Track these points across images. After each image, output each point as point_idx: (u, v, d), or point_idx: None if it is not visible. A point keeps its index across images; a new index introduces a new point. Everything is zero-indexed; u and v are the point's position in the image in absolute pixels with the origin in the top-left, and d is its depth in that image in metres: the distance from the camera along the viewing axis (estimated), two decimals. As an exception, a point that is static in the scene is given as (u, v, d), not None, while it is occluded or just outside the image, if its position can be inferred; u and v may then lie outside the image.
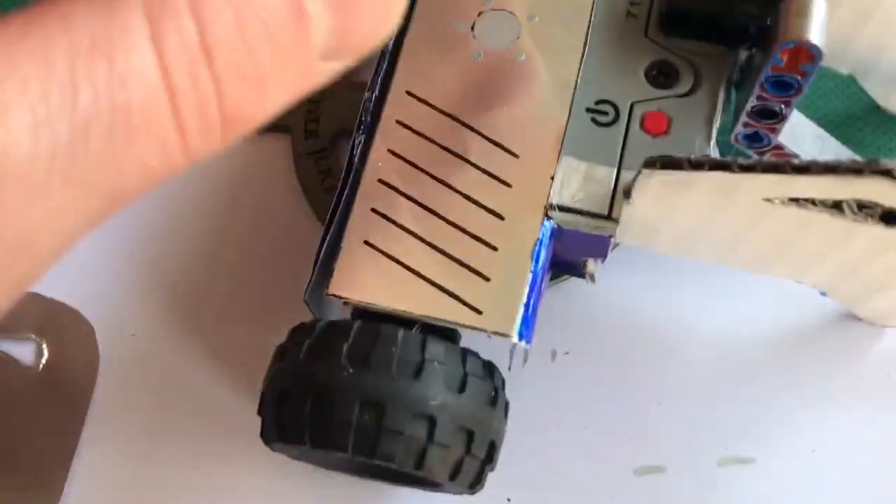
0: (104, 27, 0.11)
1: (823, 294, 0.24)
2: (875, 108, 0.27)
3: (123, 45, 0.11)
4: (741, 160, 0.19)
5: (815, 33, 0.20)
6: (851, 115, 0.27)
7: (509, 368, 0.21)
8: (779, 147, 0.23)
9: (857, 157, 0.25)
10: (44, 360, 0.24)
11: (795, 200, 0.19)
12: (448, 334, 0.20)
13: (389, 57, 0.22)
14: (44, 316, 0.24)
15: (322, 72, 0.13)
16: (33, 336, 0.24)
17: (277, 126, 0.26)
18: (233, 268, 0.25)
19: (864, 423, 0.24)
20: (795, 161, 0.18)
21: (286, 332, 0.21)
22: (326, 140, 0.26)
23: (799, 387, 0.24)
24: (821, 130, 0.25)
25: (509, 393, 0.21)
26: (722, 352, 0.24)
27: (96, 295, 0.25)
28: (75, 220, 0.12)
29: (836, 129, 0.27)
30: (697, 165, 0.19)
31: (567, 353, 0.24)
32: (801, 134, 0.24)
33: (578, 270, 0.24)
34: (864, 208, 0.19)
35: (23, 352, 0.24)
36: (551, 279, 0.24)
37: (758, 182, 0.19)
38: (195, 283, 0.25)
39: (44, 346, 0.24)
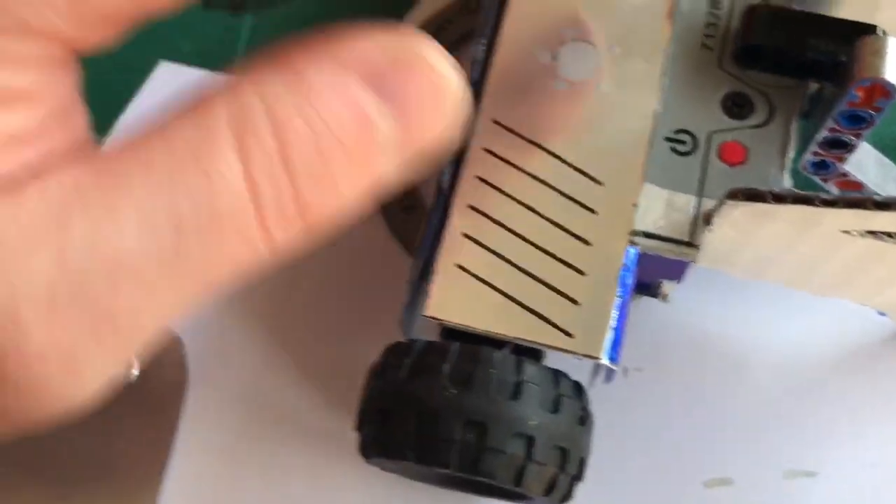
0: (197, 139, 0.13)
1: (882, 314, 0.25)
2: (932, 133, 0.28)
3: (213, 156, 0.13)
4: (823, 195, 0.20)
5: (891, 71, 0.21)
6: (908, 139, 0.28)
7: (590, 385, 0.22)
8: (844, 174, 0.24)
9: (917, 183, 0.26)
10: (135, 373, 0.25)
11: (872, 233, 0.21)
12: (534, 354, 0.22)
13: (474, 87, 0.23)
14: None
15: (390, 169, 0.15)
16: (124, 349, 0.25)
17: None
18: (314, 284, 0.26)
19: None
20: (876, 198, 0.19)
21: (368, 348, 0.22)
22: (404, 161, 0.27)
23: (860, 403, 0.25)
24: (883, 157, 0.25)
25: (588, 408, 0.22)
26: (787, 369, 0.25)
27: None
28: (173, 307, 0.14)
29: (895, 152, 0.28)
30: (780, 199, 0.20)
31: (639, 369, 0.25)
32: (865, 161, 0.25)
33: (653, 291, 0.25)
34: (939, 240, 0.20)
35: (115, 365, 0.25)
36: (624, 298, 0.25)
37: (838, 216, 0.20)
38: (278, 299, 0.26)
39: (134, 359, 0.25)
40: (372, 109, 0.14)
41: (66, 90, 0.14)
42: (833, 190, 0.25)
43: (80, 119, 0.15)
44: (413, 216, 0.26)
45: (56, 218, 0.13)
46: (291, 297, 0.26)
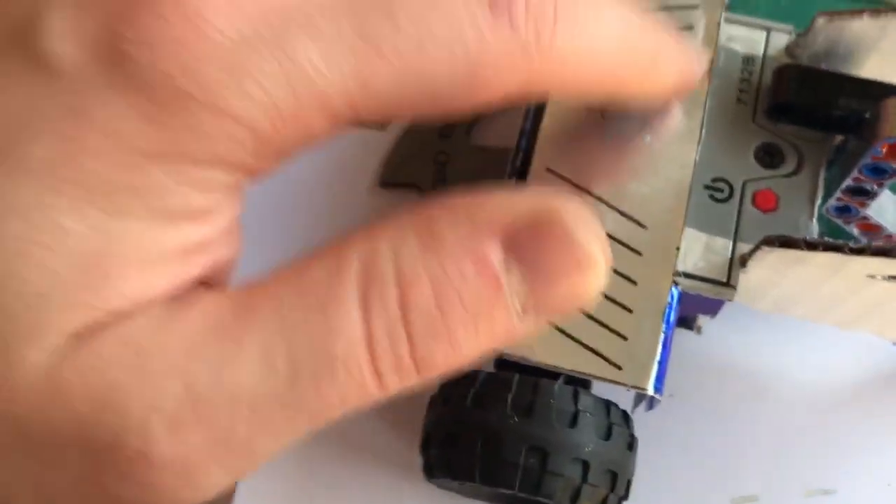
0: (325, 287, 0.15)
1: (895, 344, 0.27)
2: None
3: (338, 305, 0.15)
4: (852, 244, 0.22)
5: (914, 131, 0.23)
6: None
7: (632, 411, 0.24)
8: (865, 218, 0.27)
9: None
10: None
11: (894, 276, 0.23)
12: (584, 383, 0.24)
13: (528, 137, 0.25)
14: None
15: (520, 330, 0.15)
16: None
17: (408, 182, 0.29)
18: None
19: (930, 458, 0.27)
20: (902, 246, 0.22)
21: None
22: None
23: (875, 426, 0.27)
24: (900, 202, 0.28)
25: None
26: (807, 394, 0.28)
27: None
28: (286, 435, 0.15)
29: (906, 195, 0.30)
30: (812, 246, 0.22)
31: (671, 395, 0.27)
32: (885, 205, 0.27)
33: (688, 323, 0.27)
34: (955, 285, 0.22)
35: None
36: (659, 329, 0.28)
37: (865, 262, 0.22)
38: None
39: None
40: (500, 268, 0.15)
41: (236, 211, 0.16)
42: (854, 231, 0.27)
43: (238, 236, 0.17)
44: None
45: (199, 342, 0.14)
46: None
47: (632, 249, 0.24)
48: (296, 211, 0.29)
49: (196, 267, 0.15)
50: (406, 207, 0.16)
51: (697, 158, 0.25)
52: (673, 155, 0.25)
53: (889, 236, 0.27)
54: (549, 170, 0.25)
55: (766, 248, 0.23)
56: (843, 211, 0.26)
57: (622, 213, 0.24)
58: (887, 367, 0.28)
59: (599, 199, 0.25)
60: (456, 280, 0.15)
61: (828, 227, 0.27)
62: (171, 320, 0.15)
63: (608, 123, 0.25)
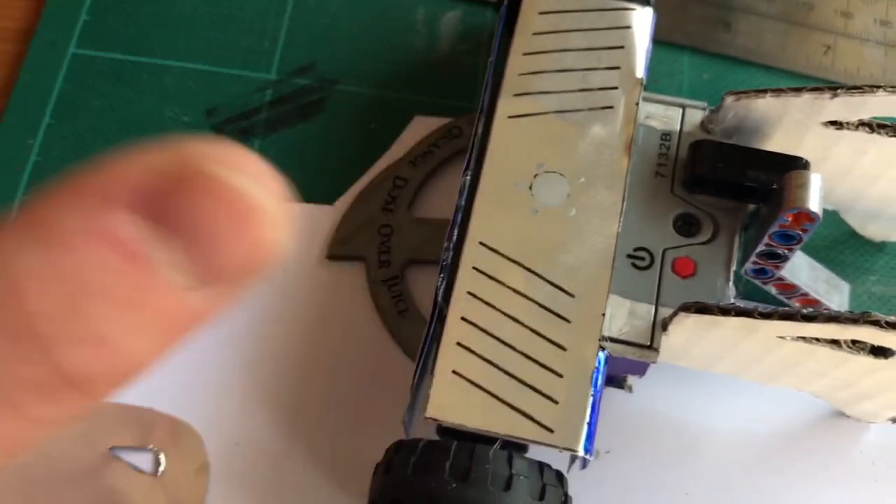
0: None
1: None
2: (853, 234, 0.32)
3: None
4: (761, 308, 0.24)
5: (814, 202, 0.25)
6: (835, 240, 0.32)
7: (567, 471, 0.26)
8: (780, 278, 0.28)
9: (843, 281, 0.31)
10: (161, 469, 0.28)
11: (803, 338, 0.24)
12: (520, 446, 0.25)
13: (463, 213, 0.27)
14: (162, 429, 0.28)
15: (200, 305, 0.12)
16: (152, 447, 0.28)
17: (355, 256, 0.31)
18: (325, 385, 0.29)
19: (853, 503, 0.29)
20: (805, 311, 0.23)
21: (374, 443, 0.25)
22: (398, 269, 0.30)
23: (797, 473, 0.29)
24: (814, 262, 0.30)
25: (570, 492, 0.25)
26: (732, 446, 0.29)
27: (204, 408, 0.29)
28: None
29: (823, 252, 0.32)
30: (725, 312, 0.24)
31: (608, 451, 0.29)
32: (798, 266, 0.29)
33: (619, 383, 0.29)
34: (856, 343, 0.24)
35: (142, 462, 0.28)
36: (593, 388, 0.29)
37: (773, 326, 0.24)
38: (292, 399, 0.29)
39: (161, 456, 0.28)
40: (138, 243, 0.11)
41: None
42: (772, 290, 0.29)
43: None
44: (407, 319, 0.30)
45: None
46: (304, 394, 0.29)
47: (561, 317, 0.26)
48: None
49: None
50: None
51: (620, 229, 0.27)
52: (597, 227, 0.27)
53: (804, 295, 0.29)
54: (481, 243, 0.27)
55: (683, 314, 0.24)
56: (760, 272, 0.28)
57: (551, 283, 0.26)
58: (807, 418, 0.30)
59: (530, 269, 0.26)
60: (87, 270, 0.11)
61: (748, 286, 0.29)
62: None
63: (536, 198, 0.27)
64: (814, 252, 0.32)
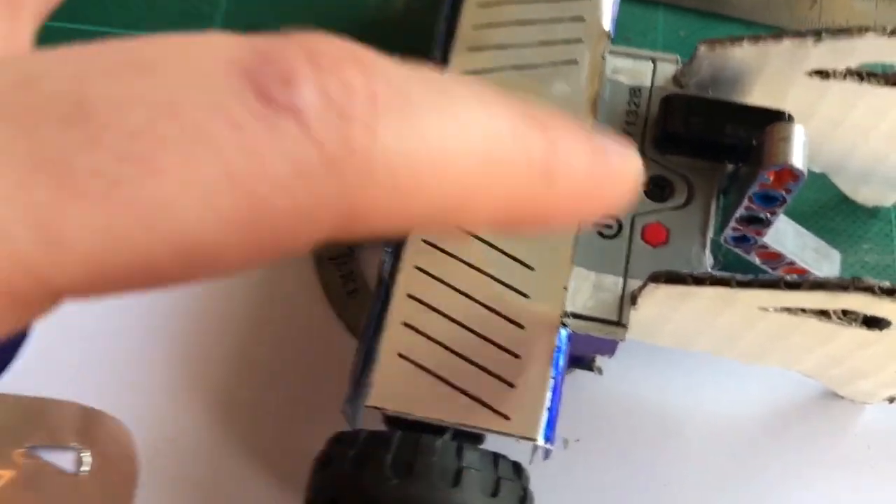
0: None
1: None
2: (844, 199, 0.29)
3: None
4: (739, 276, 0.21)
5: (798, 157, 0.22)
6: (824, 205, 0.30)
7: (530, 462, 0.23)
8: (764, 246, 0.26)
9: (833, 250, 0.28)
10: (85, 468, 0.26)
11: (787, 309, 0.22)
12: (476, 437, 0.22)
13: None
14: (84, 424, 0.26)
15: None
16: (74, 444, 0.26)
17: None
18: (265, 371, 0.27)
19: (849, 490, 0.26)
20: (788, 278, 0.21)
21: (319, 434, 0.23)
22: (346, 246, 0.28)
23: (788, 460, 0.26)
24: (801, 228, 0.27)
25: (530, 484, 0.23)
26: (717, 432, 0.27)
27: (135, 403, 0.26)
28: None
29: (812, 219, 0.29)
30: (699, 281, 0.21)
31: (578, 440, 0.26)
32: (783, 233, 0.26)
33: (587, 364, 0.26)
34: (847, 314, 0.22)
35: (65, 460, 0.26)
36: (561, 371, 0.26)
37: (754, 295, 0.21)
38: (230, 387, 0.27)
39: (85, 454, 0.26)
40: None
41: None
42: (755, 260, 0.27)
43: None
44: (356, 300, 0.27)
45: None
46: (241, 382, 0.27)
47: (519, 292, 0.23)
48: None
49: None
50: None
51: (584, 194, 0.24)
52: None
53: (790, 263, 0.27)
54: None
55: (652, 285, 0.22)
56: (741, 240, 0.26)
57: (508, 255, 0.24)
58: (797, 399, 0.27)
59: (484, 241, 0.24)
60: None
61: (728, 256, 0.26)
62: None
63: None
64: (802, 219, 0.29)
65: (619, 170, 0.15)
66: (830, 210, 0.29)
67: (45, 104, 0.10)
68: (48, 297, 0.11)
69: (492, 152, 0.13)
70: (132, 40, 0.11)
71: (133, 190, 0.10)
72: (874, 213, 0.29)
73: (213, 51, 0.11)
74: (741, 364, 0.25)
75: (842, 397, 0.27)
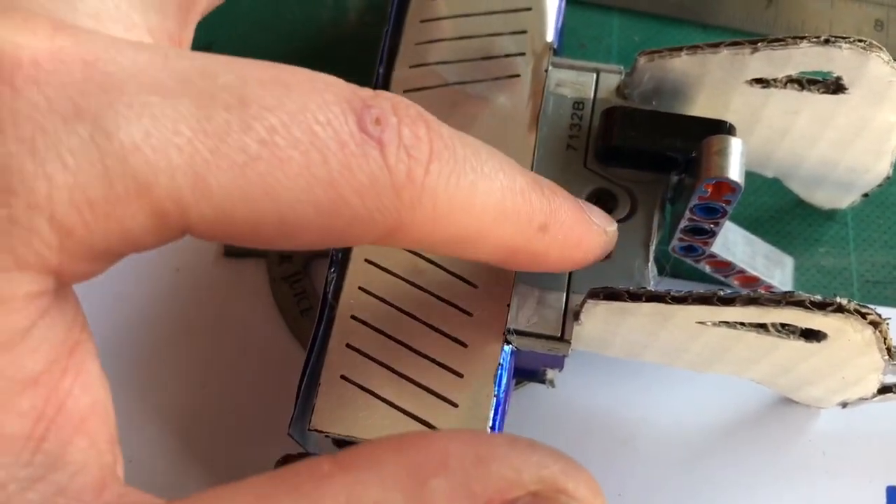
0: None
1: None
2: (799, 203, 0.29)
3: None
4: (674, 292, 0.21)
5: (735, 170, 0.22)
6: (780, 209, 0.29)
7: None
8: (713, 255, 0.26)
9: (786, 255, 0.28)
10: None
11: (725, 322, 0.22)
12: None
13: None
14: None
15: None
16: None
17: (254, 252, 0.28)
18: (221, 391, 0.27)
19: (804, 498, 0.26)
20: (721, 293, 0.21)
21: (275, 455, 0.23)
22: (300, 264, 0.28)
23: (743, 468, 0.26)
24: (751, 236, 0.27)
25: None
26: (670, 440, 0.27)
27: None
28: None
29: (767, 223, 0.29)
30: (636, 297, 0.21)
31: (533, 452, 0.26)
32: (732, 241, 0.26)
33: (538, 377, 0.26)
34: (785, 327, 0.22)
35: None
36: (514, 385, 0.27)
37: (690, 311, 0.21)
38: (186, 408, 0.27)
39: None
40: None
41: (63, 325, 0.14)
42: (706, 269, 0.27)
43: (86, 350, 0.15)
44: (311, 318, 0.27)
45: None
46: (197, 402, 0.27)
47: (462, 310, 0.23)
48: (138, 281, 0.28)
49: (38, 401, 0.13)
50: (402, 443, 0.14)
51: (527, 210, 0.24)
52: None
53: (741, 272, 0.27)
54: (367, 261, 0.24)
55: (591, 301, 0.22)
56: (689, 250, 0.26)
57: (451, 273, 0.24)
58: (751, 405, 0.27)
59: (428, 259, 0.24)
60: None
61: (685, 265, 0.26)
62: None
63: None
64: (757, 223, 0.29)
65: (597, 230, 0.21)
66: (786, 214, 0.29)
67: (217, 92, 0.14)
68: (180, 226, 0.14)
69: (505, 201, 0.18)
70: (278, 65, 0.15)
71: (265, 168, 0.14)
72: (830, 215, 0.29)
73: (333, 87, 0.15)
74: (693, 373, 0.25)
75: (796, 402, 0.27)
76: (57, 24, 0.14)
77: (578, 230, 0.20)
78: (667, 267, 0.26)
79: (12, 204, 0.13)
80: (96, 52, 0.14)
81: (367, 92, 0.16)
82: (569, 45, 0.31)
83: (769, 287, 0.27)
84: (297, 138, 0.14)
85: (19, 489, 0.13)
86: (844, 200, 0.29)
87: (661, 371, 0.27)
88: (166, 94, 0.14)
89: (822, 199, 0.29)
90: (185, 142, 0.13)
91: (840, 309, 0.20)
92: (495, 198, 0.17)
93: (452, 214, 0.17)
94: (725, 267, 0.26)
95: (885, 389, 0.25)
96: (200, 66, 0.14)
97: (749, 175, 0.26)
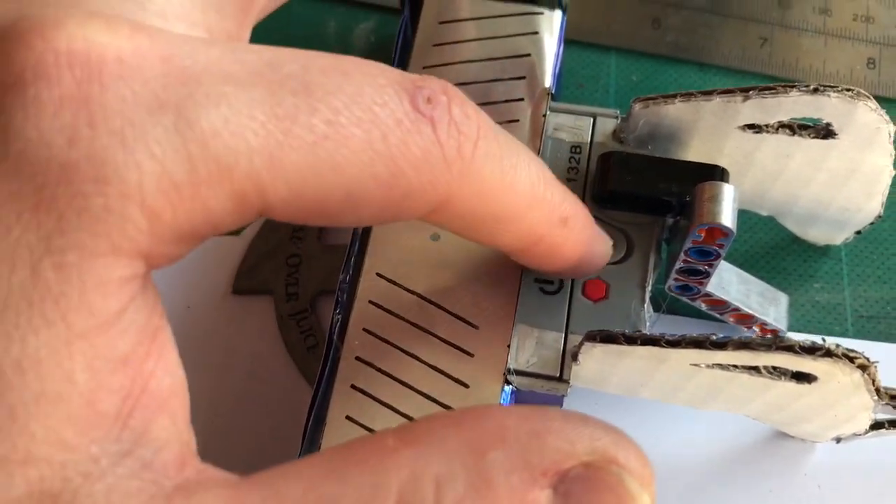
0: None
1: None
2: (794, 239, 0.30)
3: None
4: (668, 336, 0.22)
5: (727, 216, 0.23)
6: (775, 245, 0.30)
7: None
8: (708, 294, 0.26)
9: (781, 293, 0.29)
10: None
11: (719, 364, 0.23)
12: None
13: (359, 240, 0.25)
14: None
15: None
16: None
17: (261, 290, 0.29)
18: (228, 426, 0.28)
19: (803, 528, 0.27)
20: (714, 338, 0.21)
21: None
22: (307, 302, 0.29)
23: (739, 502, 0.27)
24: (745, 274, 0.28)
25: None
26: (668, 475, 0.27)
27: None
28: None
29: (762, 259, 0.30)
30: (631, 340, 0.22)
31: (533, 486, 0.27)
32: (727, 280, 0.27)
33: (538, 415, 0.27)
34: (777, 369, 0.22)
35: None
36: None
37: (683, 354, 0.22)
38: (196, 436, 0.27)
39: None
40: None
41: (150, 309, 0.15)
42: (702, 307, 0.27)
43: (166, 335, 0.16)
44: (317, 355, 0.28)
45: None
46: (207, 438, 0.28)
47: (463, 351, 0.24)
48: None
49: (126, 381, 0.14)
50: (460, 418, 0.15)
51: (526, 252, 0.25)
52: (501, 251, 0.25)
53: (736, 310, 0.27)
54: (378, 274, 0.25)
55: (589, 343, 0.23)
56: (685, 289, 0.26)
57: (453, 314, 0.24)
58: (747, 439, 0.28)
59: (429, 300, 0.24)
60: None
61: (679, 302, 0.27)
62: None
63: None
64: (752, 260, 0.30)
65: (604, 236, 0.23)
66: (781, 250, 0.30)
67: (284, 81, 0.15)
68: (257, 206, 0.15)
69: (537, 188, 0.19)
70: (334, 55, 0.16)
71: (332, 146, 0.15)
72: (825, 251, 0.30)
73: (385, 72, 0.16)
74: (690, 409, 0.26)
75: (791, 437, 0.28)
76: (134, 25, 0.15)
77: (590, 231, 0.22)
78: (663, 305, 0.26)
79: (107, 193, 0.13)
80: (171, 49, 0.15)
81: (415, 76, 0.17)
82: (567, 84, 0.32)
83: (764, 324, 0.28)
84: (359, 117, 0.15)
85: (111, 464, 0.14)
86: (838, 237, 0.29)
87: (657, 406, 0.28)
88: (239, 83, 0.15)
89: (816, 236, 0.30)
90: (259, 126, 0.14)
91: (829, 353, 0.21)
92: (530, 183, 0.19)
93: (494, 191, 0.18)
94: (721, 305, 0.27)
95: (877, 426, 0.25)
96: (267, 58, 0.15)
97: (744, 213, 0.27)
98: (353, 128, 0.15)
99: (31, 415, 0.13)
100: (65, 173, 0.13)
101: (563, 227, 0.21)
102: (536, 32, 0.27)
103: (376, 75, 0.16)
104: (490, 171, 0.18)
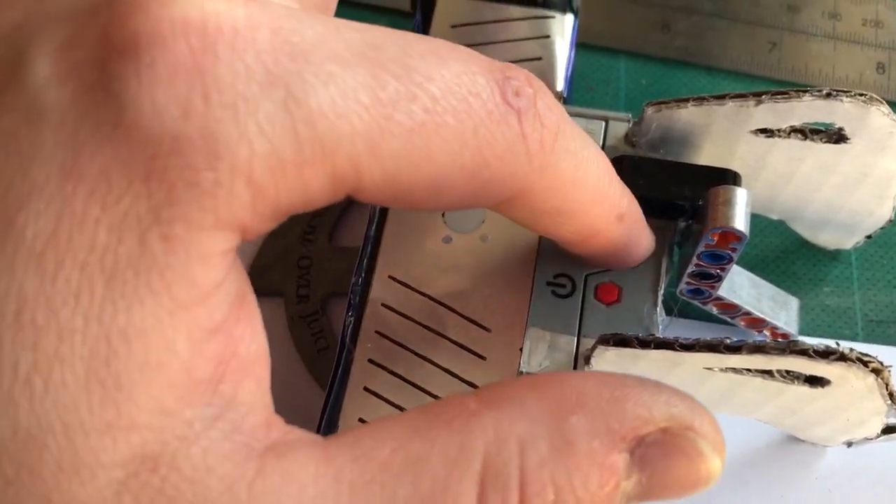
0: (444, 478, 0.15)
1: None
2: (804, 243, 0.30)
3: (453, 496, 0.14)
4: (682, 340, 0.22)
5: (740, 220, 0.23)
6: (785, 250, 0.30)
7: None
8: (719, 298, 0.26)
9: (791, 297, 0.29)
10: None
11: (732, 368, 0.23)
12: None
13: (372, 243, 0.25)
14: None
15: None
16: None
17: (272, 291, 0.29)
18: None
19: (814, 532, 0.27)
20: (728, 342, 0.21)
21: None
22: (317, 304, 0.29)
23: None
24: (756, 278, 0.28)
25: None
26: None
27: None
28: None
29: (773, 263, 0.30)
30: (644, 344, 0.22)
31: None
32: (738, 285, 0.27)
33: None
34: (790, 373, 0.22)
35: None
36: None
37: (697, 357, 0.22)
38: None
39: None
40: (622, 477, 0.15)
41: (242, 282, 0.15)
42: (713, 310, 0.27)
43: (252, 313, 0.16)
44: (328, 357, 0.28)
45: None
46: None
47: (476, 354, 0.24)
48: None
49: (219, 349, 0.14)
50: (540, 383, 0.15)
51: (538, 256, 0.25)
52: (513, 254, 0.25)
53: (747, 314, 0.27)
54: (391, 277, 0.25)
55: (602, 347, 0.23)
56: (697, 293, 0.26)
57: (465, 317, 0.24)
58: (758, 443, 0.28)
59: (442, 303, 0.24)
60: (579, 490, 0.15)
61: (691, 305, 0.27)
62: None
63: (448, 224, 0.25)
64: (763, 264, 0.30)
65: (650, 232, 0.24)
66: (791, 254, 0.30)
67: (384, 62, 0.15)
68: (349, 188, 0.15)
69: (601, 184, 0.19)
70: (429, 38, 0.16)
71: (428, 134, 0.15)
72: (835, 255, 0.30)
73: (477, 59, 0.16)
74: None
75: (803, 441, 0.28)
76: None
77: (640, 226, 0.22)
78: (675, 308, 0.26)
79: (218, 168, 0.13)
80: (279, 22, 0.14)
81: (503, 64, 0.17)
82: (577, 88, 0.32)
83: (775, 328, 0.28)
84: (455, 107, 0.15)
85: (204, 427, 0.14)
86: (848, 241, 0.29)
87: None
88: (344, 63, 0.14)
89: (827, 240, 0.30)
90: (363, 109, 0.14)
91: (843, 357, 0.21)
92: (597, 178, 0.19)
93: (566, 186, 0.18)
94: (732, 309, 0.27)
95: (889, 430, 0.25)
96: (369, 38, 0.15)
97: (755, 217, 0.27)
98: (448, 116, 0.15)
99: (135, 383, 0.13)
100: (177, 145, 0.13)
101: (620, 222, 0.21)
102: (548, 36, 0.27)
103: (469, 62, 0.16)
104: (565, 165, 0.18)
